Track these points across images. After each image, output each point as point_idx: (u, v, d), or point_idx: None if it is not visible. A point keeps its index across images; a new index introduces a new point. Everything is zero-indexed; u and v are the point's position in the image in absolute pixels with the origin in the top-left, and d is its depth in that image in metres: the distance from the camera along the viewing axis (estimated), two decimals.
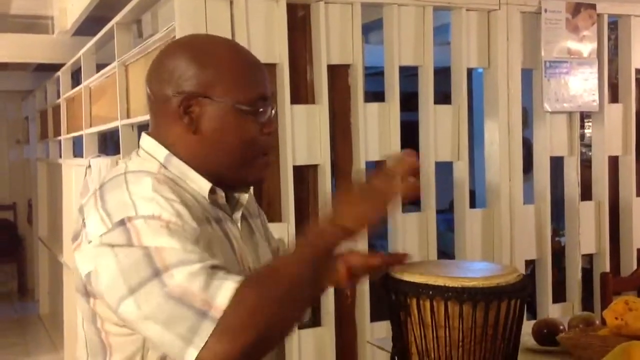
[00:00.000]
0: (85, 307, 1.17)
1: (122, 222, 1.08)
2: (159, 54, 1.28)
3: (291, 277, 1.09)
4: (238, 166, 1.23)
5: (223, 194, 1.25)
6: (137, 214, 1.08)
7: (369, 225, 1.15)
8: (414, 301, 1.23)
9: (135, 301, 1.05)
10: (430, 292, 1.21)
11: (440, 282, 1.21)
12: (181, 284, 1.03)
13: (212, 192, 1.22)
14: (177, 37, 2.47)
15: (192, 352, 1.01)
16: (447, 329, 1.21)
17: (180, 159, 1.22)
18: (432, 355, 1.23)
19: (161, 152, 1.23)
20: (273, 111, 1.27)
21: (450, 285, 1.20)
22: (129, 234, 1.07)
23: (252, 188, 1.41)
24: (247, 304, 1.03)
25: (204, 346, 1.01)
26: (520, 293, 1.25)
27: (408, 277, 1.24)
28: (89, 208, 1.14)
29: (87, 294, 1.15)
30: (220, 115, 1.21)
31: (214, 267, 1.06)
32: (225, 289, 1.03)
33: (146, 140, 1.25)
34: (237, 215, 1.29)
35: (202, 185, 1.22)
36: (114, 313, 1.10)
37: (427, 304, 1.21)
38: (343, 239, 1.14)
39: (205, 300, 1.02)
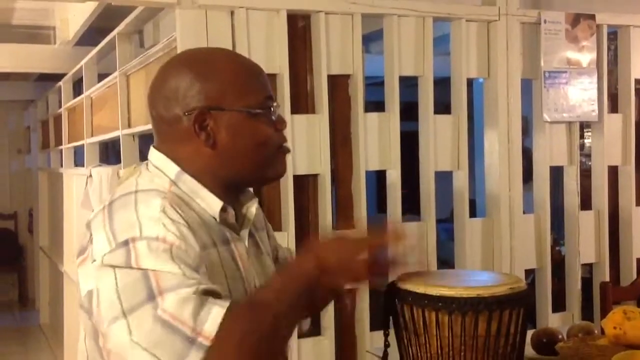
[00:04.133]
0: (87, 324, 1.16)
1: (125, 243, 1.08)
2: (158, 74, 1.27)
3: (276, 310, 1.09)
4: (257, 167, 1.24)
5: (233, 213, 1.25)
6: (141, 235, 1.08)
7: (348, 263, 1.15)
8: (419, 312, 1.22)
9: (126, 324, 1.05)
10: (435, 303, 1.21)
11: (444, 292, 1.21)
12: (171, 309, 1.03)
13: (223, 209, 1.22)
14: (178, 48, 2.49)
15: None
16: (451, 338, 1.21)
17: (192, 175, 1.21)
18: None
19: (172, 168, 1.22)
20: (279, 108, 1.28)
21: (455, 296, 1.20)
22: (129, 255, 1.07)
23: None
24: (234, 332, 1.03)
25: None
26: (524, 302, 1.25)
27: (412, 288, 1.24)
28: (97, 225, 1.14)
29: (89, 310, 1.15)
30: (235, 123, 1.21)
31: (206, 292, 1.06)
32: (213, 317, 1.03)
33: (155, 155, 1.24)
34: (245, 232, 1.28)
35: (212, 205, 1.21)
36: (103, 335, 1.10)
37: (432, 315, 1.21)
38: (320, 270, 1.13)
39: (194, 327, 1.02)
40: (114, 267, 1.07)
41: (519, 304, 1.23)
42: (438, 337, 1.21)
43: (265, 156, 1.24)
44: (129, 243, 1.08)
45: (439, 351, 1.22)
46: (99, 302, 1.09)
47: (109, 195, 1.21)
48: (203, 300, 1.04)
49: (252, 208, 1.30)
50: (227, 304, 1.05)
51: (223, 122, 1.20)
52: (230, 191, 1.25)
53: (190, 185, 1.21)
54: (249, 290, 1.23)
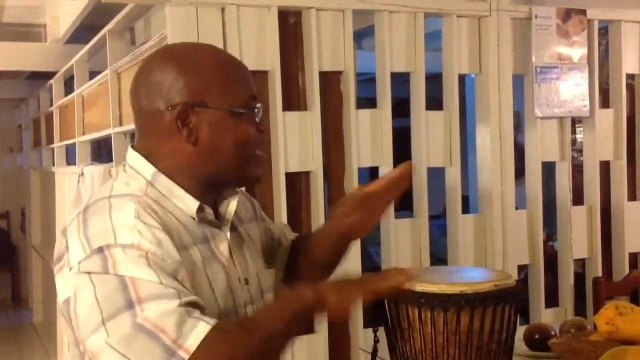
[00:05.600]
0: (68, 331, 1.15)
1: (100, 250, 1.07)
2: (142, 66, 1.25)
3: (265, 333, 1.09)
4: (236, 167, 1.23)
5: (211, 211, 1.23)
6: (115, 242, 1.07)
7: (349, 309, 1.18)
8: (423, 311, 1.22)
9: (105, 331, 1.03)
10: (418, 299, 1.21)
11: (427, 288, 1.21)
12: (153, 319, 1.02)
13: (199, 210, 1.21)
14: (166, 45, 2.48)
15: None
16: (446, 335, 1.21)
17: (168, 174, 1.20)
18: None
19: (148, 169, 1.21)
20: (261, 109, 1.27)
21: (437, 292, 1.20)
22: (106, 261, 1.06)
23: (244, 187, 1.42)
24: (216, 351, 1.03)
25: None
26: (515, 297, 1.25)
27: (414, 287, 1.24)
28: (72, 232, 1.12)
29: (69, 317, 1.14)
30: (218, 121, 1.19)
31: (190, 305, 1.05)
32: (197, 332, 1.02)
33: (132, 157, 1.23)
34: (226, 229, 1.27)
35: (188, 204, 1.20)
36: (80, 342, 1.08)
37: (428, 312, 1.21)
38: (319, 309, 1.16)
39: (175, 339, 1.01)
40: (90, 273, 1.06)
41: (503, 300, 1.22)
42: (421, 332, 1.22)
43: (245, 156, 1.23)
44: (104, 250, 1.07)
45: (423, 347, 1.23)
46: (76, 310, 1.08)
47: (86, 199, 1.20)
48: (189, 313, 1.04)
49: (233, 202, 1.29)
50: (213, 321, 1.04)
51: (206, 120, 1.19)
52: (210, 189, 1.24)
53: (167, 186, 1.20)
54: (232, 287, 1.22)
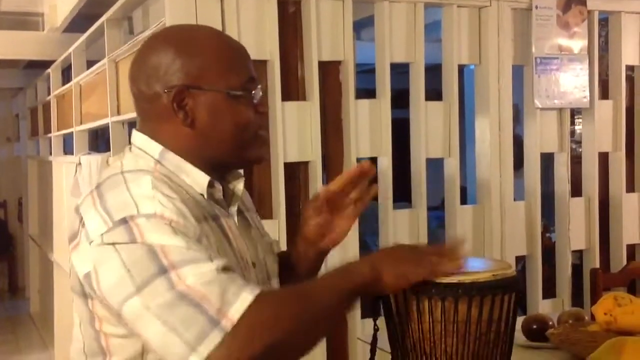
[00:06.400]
0: (83, 309, 1.14)
1: (124, 221, 1.05)
2: (140, 49, 1.24)
3: (317, 304, 1.08)
4: (237, 149, 1.22)
5: (220, 188, 1.23)
6: (139, 213, 1.06)
7: (403, 285, 1.17)
8: (421, 300, 1.22)
9: (141, 299, 1.01)
10: (426, 290, 1.20)
11: (445, 279, 1.20)
12: (195, 286, 1.00)
13: (210, 185, 1.20)
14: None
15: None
16: (444, 324, 1.20)
17: (176, 153, 1.20)
18: (429, 352, 1.23)
19: (155, 147, 1.20)
20: (261, 90, 1.26)
21: (446, 281, 1.20)
22: (132, 231, 1.04)
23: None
24: (260, 321, 1.01)
25: (206, 356, 0.98)
26: (514, 287, 1.25)
27: None
28: (87, 207, 1.11)
29: (85, 295, 1.12)
30: (214, 104, 1.19)
31: (226, 270, 1.04)
32: (242, 301, 1.01)
33: (138, 137, 1.23)
34: (233, 209, 1.27)
35: (198, 180, 1.19)
36: (115, 313, 1.07)
37: (426, 301, 1.21)
38: (375, 287, 1.15)
39: (219, 309, 1.00)
40: (115, 244, 1.05)
41: (502, 290, 1.22)
42: (419, 322, 1.21)
43: (244, 139, 1.22)
44: (127, 221, 1.05)
45: (421, 336, 1.22)
46: (101, 282, 1.06)
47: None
48: (229, 282, 1.02)
49: (240, 185, 1.29)
50: (256, 290, 1.03)
51: (202, 102, 1.18)
52: (214, 170, 1.23)
53: (175, 162, 1.19)
54: (241, 264, 1.21)
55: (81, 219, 1.11)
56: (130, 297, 1.02)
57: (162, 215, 1.06)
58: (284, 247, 1.51)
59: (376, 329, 1.29)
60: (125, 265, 1.03)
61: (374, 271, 1.14)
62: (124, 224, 1.05)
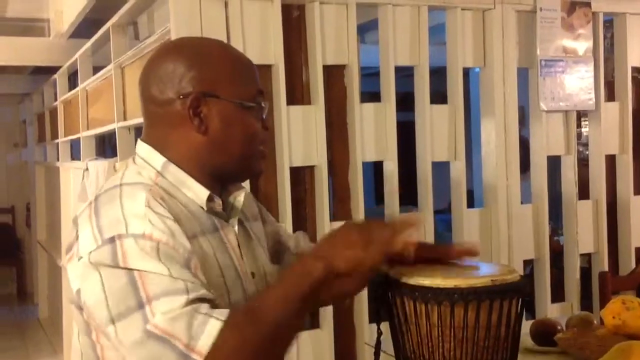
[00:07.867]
0: (79, 319, 1.16)
1: (112, 240, 1.07)
2: (151, 58, 1.27)
3: (273, 320, 1.07)
4: (243, 159, 1.24)
5: (220, 202, 1.24)
6: (127, 232, 1.07)
7: (358, 270, 1.11)
8: (418, 305, 1.21)
9: (117, 330, 1.04)
10: (413, 292, 1.20)
11: (422, 282, 1.20)
12: (163, 325, 1.01)
13: (209, 199, 1.21)
14: (172, 39, 2.47)
15: None
16: (452, 329, 1.20)
17: (178, 164, 1.21)
18: (428, 357, 1.23)
19: (158, 159, 1.22)
20: (267, 105, 1.29)
21: (431, 285, 1.19)
22: (116, 253, 1.06)
23: (248, 187, 1.41)
24: (228, 349, 1.02)
25: None
26: (515, 293, 1.24)
27: (409, 280, 1.23)
28: (83, 220, 1.13)
29: (80, 307, 1.14)
30: (228, 113, 1.21)
31: (198, 300, 1.04)
32: (208, 332, 1.01)
33: (142, 148, 1.25)
34: (234, 221, 1.28)
35: (199, 194, 1.21)
36: (102, 332, 1.10)
37: (423, 306, 1.20)
38: (329, 277, 1.10)
39: (187, 344, 1.01)
40: (99, 265, 1.07)
41: (500, 296, 1.21)
42: (417, 326, 1.21)
43: (251, 150, 1.24)
44: (115, 240, 1.07)
45: (419, 341, 1.22)
46: (85, 301, 1.10)
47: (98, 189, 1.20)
48: (197, 310, 1.03)
49: (240, 197, 1.30)
50: (222, 316, 1.03)
51: (216, 110, 1.20)
52: (216, 181, 1.25)
53: (177, 175, 1.21)
54: (242, 277, 1.23)
55: (77, 231, 1.13)
56: (107, 325, 1.06)
57: (150, 235, 1.07)
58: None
59: (380, 334, 1.29)
60: (104, 290, 1.06)
61: (323, 262, 1.10)
62: (111, 243, 1.07)
